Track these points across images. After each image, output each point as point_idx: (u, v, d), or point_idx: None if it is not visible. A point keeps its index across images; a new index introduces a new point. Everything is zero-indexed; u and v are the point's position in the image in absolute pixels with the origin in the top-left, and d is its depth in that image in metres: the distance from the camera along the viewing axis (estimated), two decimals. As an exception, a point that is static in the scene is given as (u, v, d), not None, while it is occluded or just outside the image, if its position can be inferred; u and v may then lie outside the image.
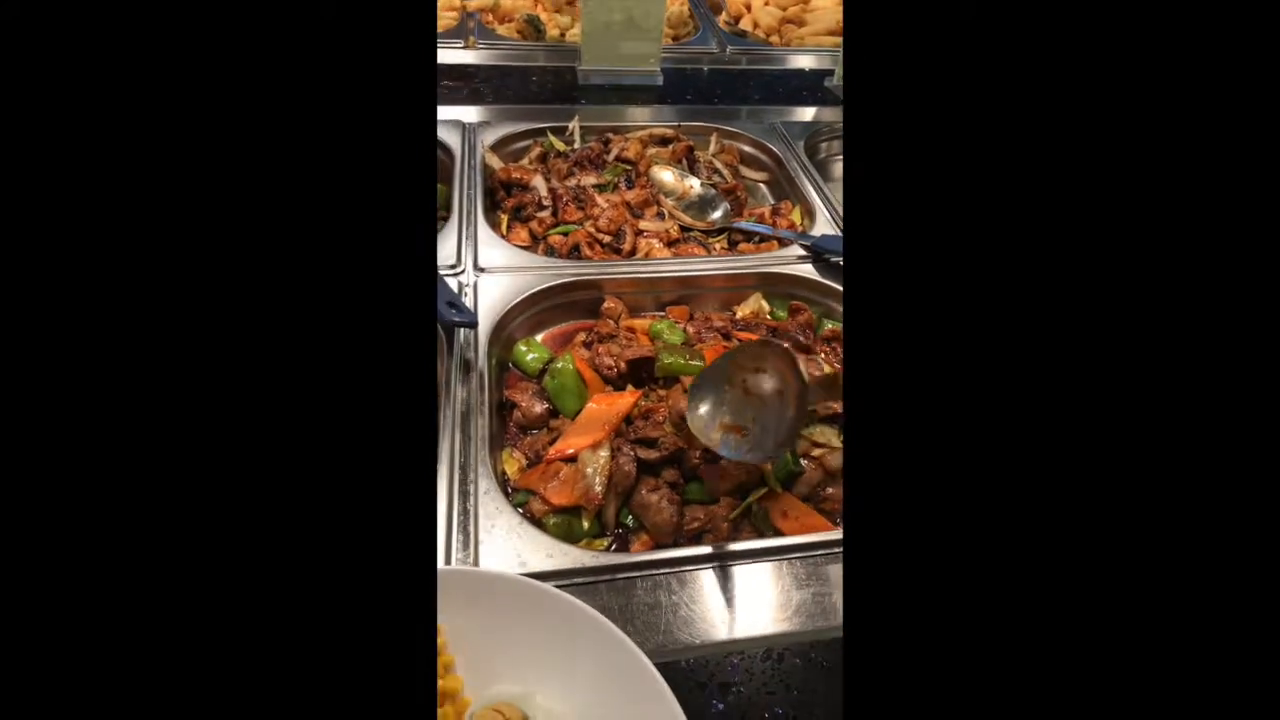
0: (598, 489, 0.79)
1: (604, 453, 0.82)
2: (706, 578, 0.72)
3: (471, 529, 0.74)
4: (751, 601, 0.70)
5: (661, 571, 0.72)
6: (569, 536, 0.77)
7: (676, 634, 0.68)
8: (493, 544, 0.73)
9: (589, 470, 0.81)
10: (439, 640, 0.63)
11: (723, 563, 0.73)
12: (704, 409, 0.77)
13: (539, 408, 0.91)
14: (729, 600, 0.71)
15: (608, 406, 0.88)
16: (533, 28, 1.66)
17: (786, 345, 0.82)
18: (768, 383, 0.77)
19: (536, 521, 0.78)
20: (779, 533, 0.79)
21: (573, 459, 0.82)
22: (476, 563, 0.71)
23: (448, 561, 0.71)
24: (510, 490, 0.83)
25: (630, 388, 0.93)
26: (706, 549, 0.74)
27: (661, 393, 0.92)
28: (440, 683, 0.60)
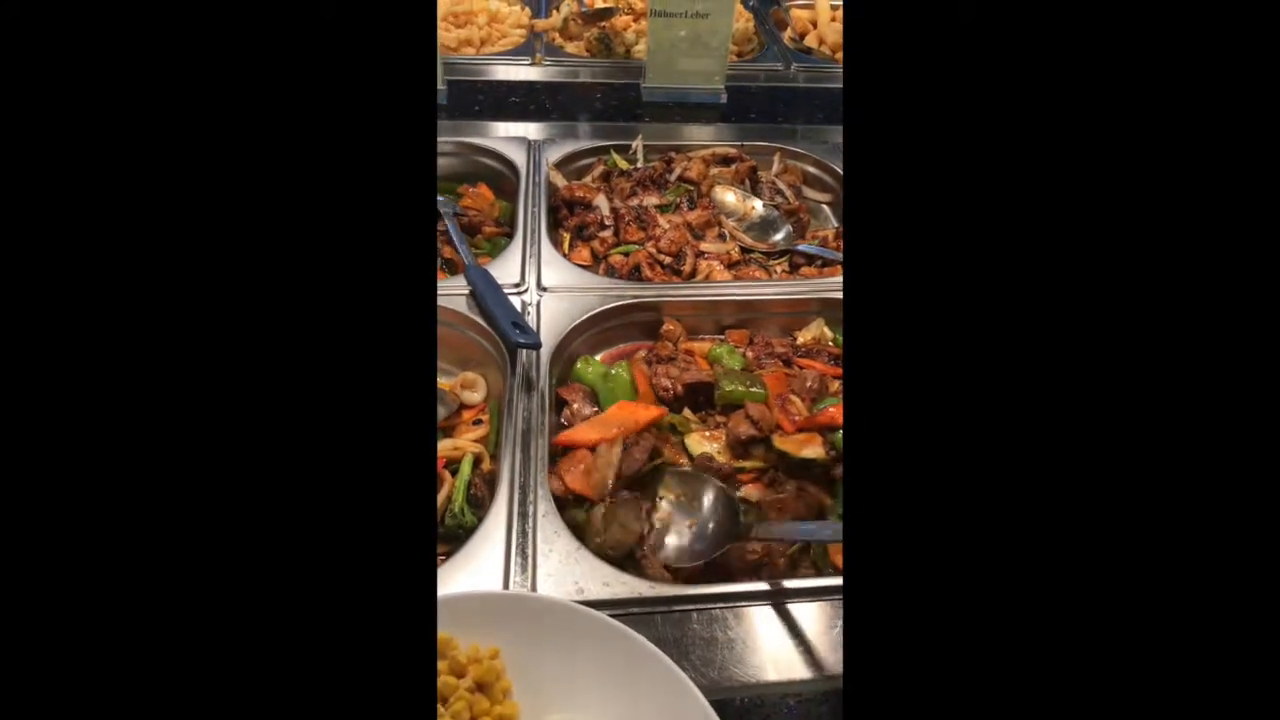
0: (609, 484, 0.81)
1: (619, 449, 0.83)
2: (763, 614, 0.71)
3: (530, 551, 0.74)
4: (810, 641, 0.69)
5: (718, 606, 0.71)
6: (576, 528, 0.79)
7: (732, 670, 0.67)
8: (550, 567, 0.73)
9: (600, 464, 0.82)
10: (497, 664, 0.63)
11: (780, 600, 0.72)
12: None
13: (588, 409, 0.92)
14: (786, 639, 0.69)
15: (629, 413, 0.88)
16: (603, 45, 1.68)
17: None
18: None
19: (559, 502, 0.80)
20: (838, 571, 0.78)
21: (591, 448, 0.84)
22: (534, 587, 0.72)
23: (505, 584, 0.72)
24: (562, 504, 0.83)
25: (687, 411, 0.93)
26: (764, 585, 0.73)
27: (720, 419, 0.91)
28: (498, 708, 0.61)
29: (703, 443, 0.88)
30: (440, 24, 1.67)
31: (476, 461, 0.88)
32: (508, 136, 1.36)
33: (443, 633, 0.64)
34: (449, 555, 0.81)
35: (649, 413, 0.87)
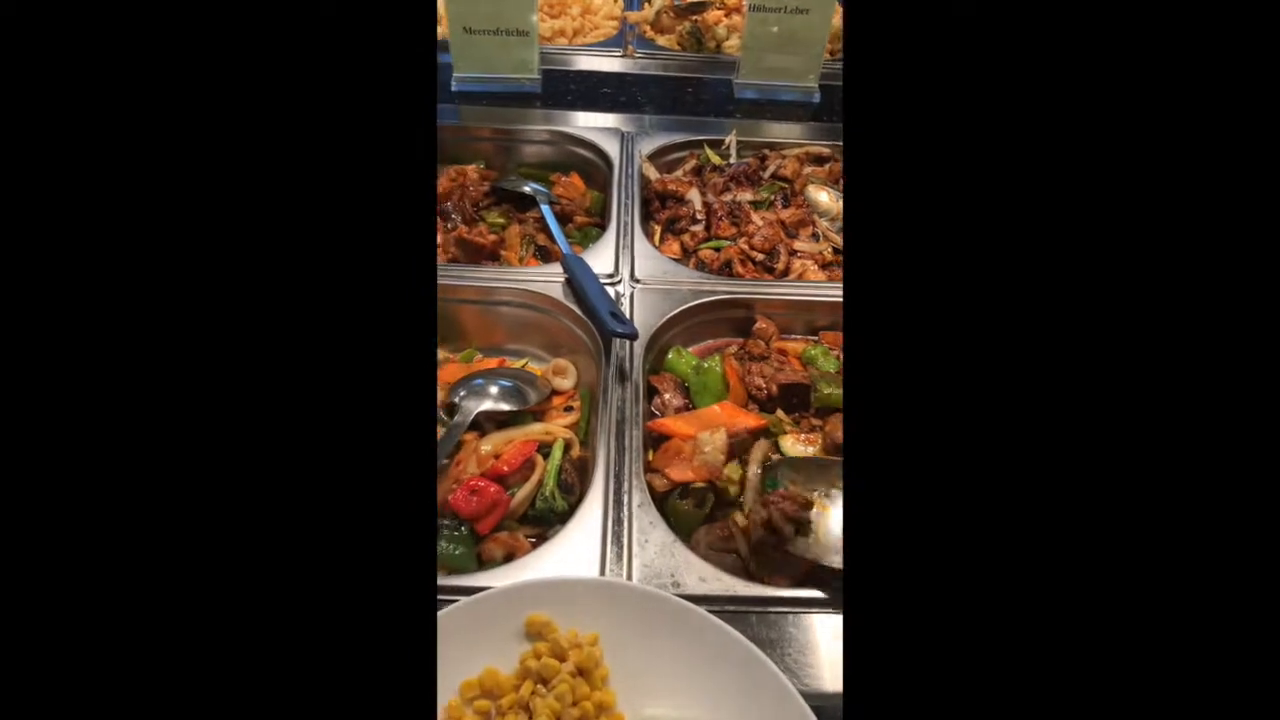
0: (719, 462, 0.81)
1: (721, 433, 0.83)
2: (861, 623, 0.69)
3: (625, 541, 0.74)
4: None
5: (815, 611, 0.70)
6: (686, 521, 0.79)
7: (827, 677, 0.66)
8: (645, 559, 0.73)
9: (707, 448, 0.82)
10: (596, 650, 0.63)
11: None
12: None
13: (678, 401, 0.92)
14: (885, 650, 0.68)
15: (729, 415, 0.88)
16: (694, 39, 1.67)
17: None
18: None
19: (659, 502, 0.79)
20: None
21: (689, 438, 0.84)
22: (630, 577, 0.72)
23: (602, 572, 0.72)
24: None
25: (780, 412, 0.92)
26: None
27: (815, 422, 0.90)
28: (597, 694, 0.61)
29: (797, 446, 0.86)
30: (538, 14, 1.68)
31: (567, 447, 0.89)
32: (602, 128, 1.36)
33: (542, 615, 0.65)
34: (540, 539, 0.82)
35: (750, 419, 0.87)
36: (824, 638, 0.68)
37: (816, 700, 0.64)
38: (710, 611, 0.64)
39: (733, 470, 0.83)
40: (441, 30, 1.60)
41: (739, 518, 0.79)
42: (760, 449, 0.84)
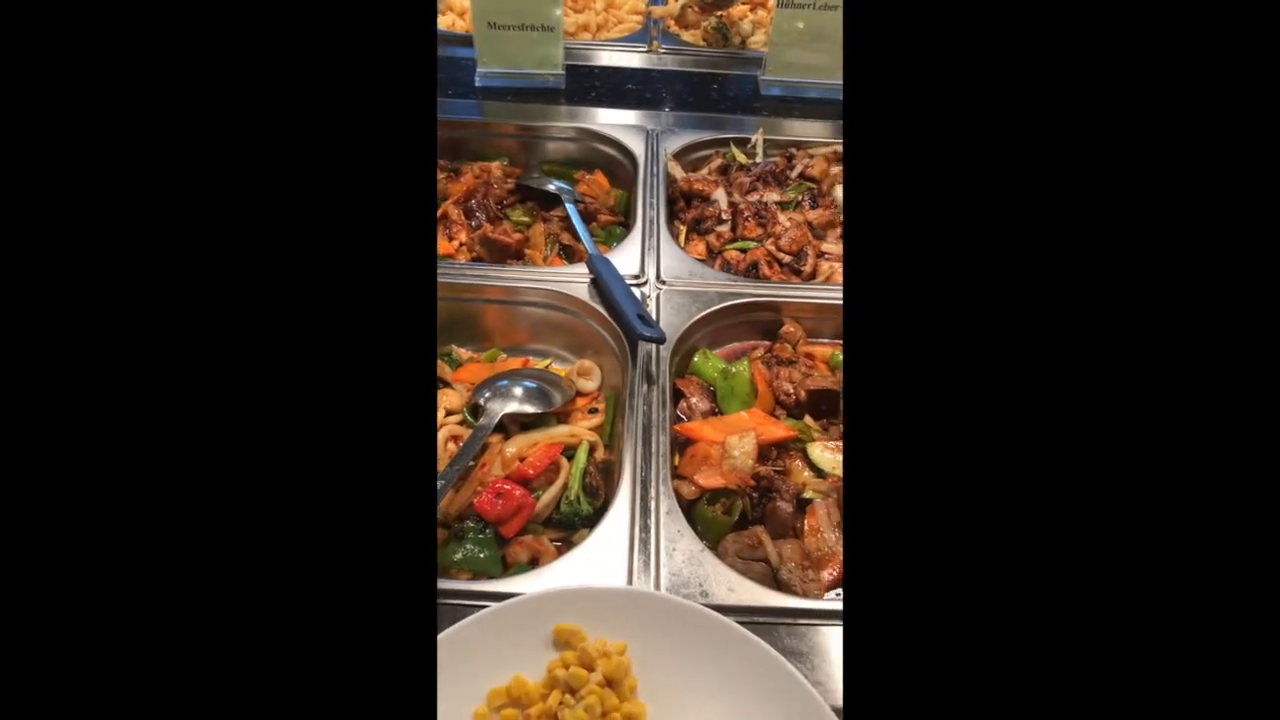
0: (749, 468, 0.80)
1: (750, 438, 0.82)
2: (892, 637, 0.68)
3: (653, 550, 0.74)
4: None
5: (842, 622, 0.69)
6: (714, 528, 0.78)
7: (859, 692, 0.65)
8: (674, 568, 0.72)
9: (736, 453, 0.81)
10: (625, 660, 0.63)
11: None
12: None
13: (704, 405, 0.91)
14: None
15: (758, 424, 0.87)
16: (720, 34, 1.65)
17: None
18: None
19: (687, 509, 0.79)
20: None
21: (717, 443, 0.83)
22: (657, 586, 0.71)
23: (629, 581, 0.71)
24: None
25: (808, 419, 0.91)
26: (894, 606, 0.70)
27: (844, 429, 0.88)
28: (626, 705, 0.61)
29: (825, 453, 0.85)
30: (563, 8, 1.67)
31: (592, 450, 0.88)
32: (627, 125, 1.35)
33: (571, 624, 0.64)
34: (565, 543, 0.81)
35: (780, 430, 0.86)
36: (854, 651, 0.67)
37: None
38: (738, 622, 0.64)
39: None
40: (465, 25, 1.59)
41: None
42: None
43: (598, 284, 0.99)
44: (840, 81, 1.50)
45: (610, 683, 0.61)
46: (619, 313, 0.94)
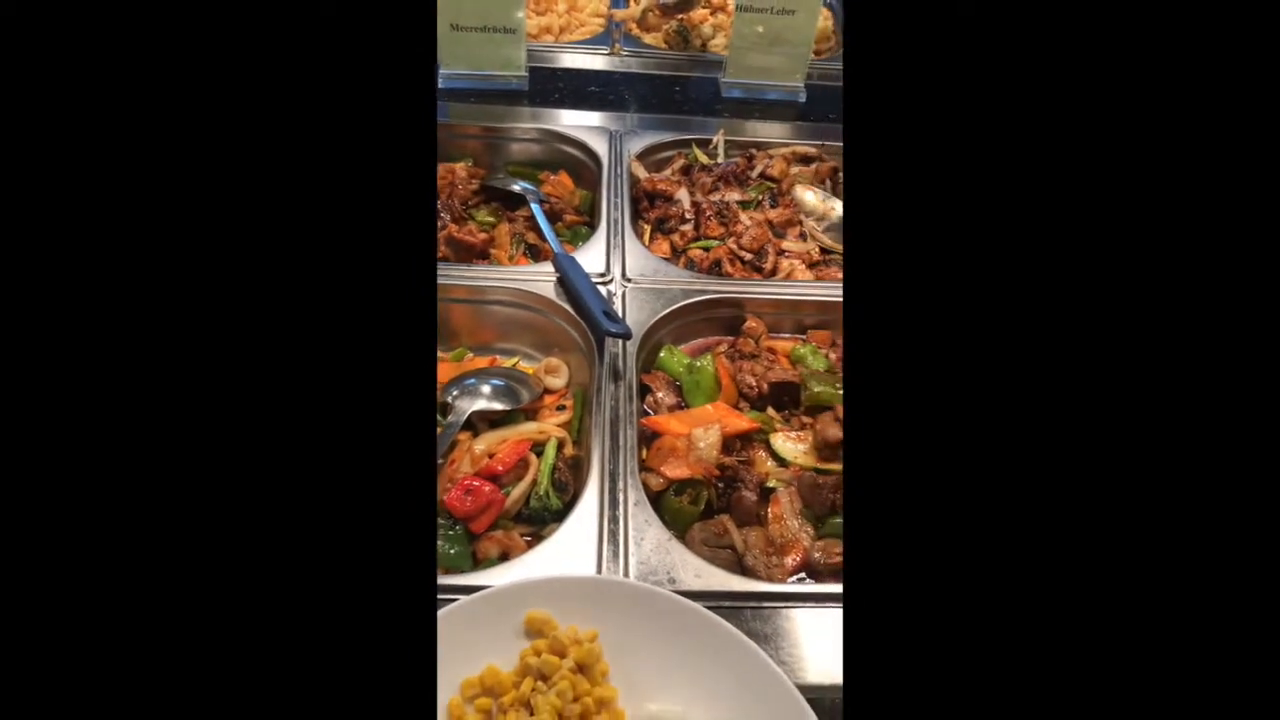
0: (714, 459, 0.82)
1: (715, 430, 0.84)
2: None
3: (621, 540, 0.75)
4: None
5: (807, 606, 0.71)
6: (681, 518, 0.80)
7: (822, 668, 0.67)
8: (642, 556, 0.74)
9: (702, 445, 0.84)
10: (596, 647, 0.64)
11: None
12: None
13: (671, 399, 0.94)
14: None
15: (723, 416, 0.89)
16: (681, 38, 1.67)
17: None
18: None
19: (654, 500, 0.80)
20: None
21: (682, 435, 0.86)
22: (627, 575, 0.72)
23: (599, 571, 0.73)
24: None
25: (770, 410, 0.93)
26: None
27: (805, 419, 0.91)
28: (598, 690, 0.62)
29: (788, 443, 0.88)
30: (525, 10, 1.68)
31: (560, 446, 0.90)
32: (590, 126, 1.36)
33: (542, 612, 0.65)
34: (535, 538, 0.82)
35: (743, 422, 0.88)
36: (816, 631, 0.70)
37: (810, 692, 0.65)
38: (706, 607, 0.66)
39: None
40: (427, 26, 1.59)
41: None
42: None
43: (564, 282, 1.01)
44: (800, 83, 1.53)
45: (582, 668, 0.63)
46: (585, 310, 0.95)
